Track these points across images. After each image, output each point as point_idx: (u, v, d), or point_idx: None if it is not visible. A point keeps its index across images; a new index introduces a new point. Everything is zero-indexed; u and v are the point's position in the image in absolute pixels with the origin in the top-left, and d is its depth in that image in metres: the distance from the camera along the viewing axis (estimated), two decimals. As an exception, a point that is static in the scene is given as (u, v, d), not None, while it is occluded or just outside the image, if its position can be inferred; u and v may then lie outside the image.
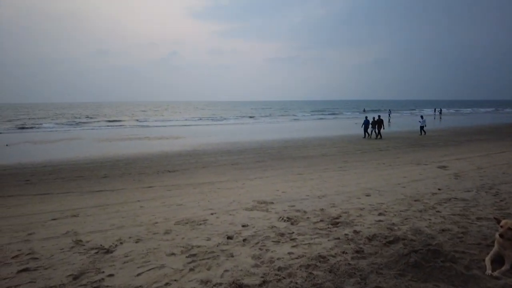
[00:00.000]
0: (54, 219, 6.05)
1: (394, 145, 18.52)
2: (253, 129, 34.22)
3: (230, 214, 5.91)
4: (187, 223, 5.46)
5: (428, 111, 70.11)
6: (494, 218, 3.65)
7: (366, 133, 23.10)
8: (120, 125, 40.19)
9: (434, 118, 50.68)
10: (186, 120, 49.97)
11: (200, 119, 52.12)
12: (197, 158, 15.04)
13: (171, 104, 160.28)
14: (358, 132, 24.96)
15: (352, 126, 34.81)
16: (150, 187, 9.10)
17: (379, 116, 23.73)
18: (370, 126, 23.05)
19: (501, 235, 3.29)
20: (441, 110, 64.58)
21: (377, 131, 22.73)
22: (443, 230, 4.50)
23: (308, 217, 5.50)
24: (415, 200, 6.44)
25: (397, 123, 39.18)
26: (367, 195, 7.14)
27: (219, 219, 5.66)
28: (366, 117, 24.03)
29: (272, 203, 6.68)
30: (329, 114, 68.38)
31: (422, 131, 24.08)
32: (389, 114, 46.68)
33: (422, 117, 25.20)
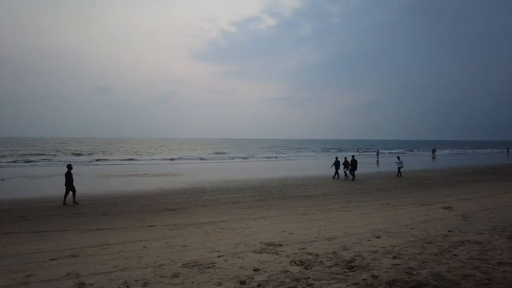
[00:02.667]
0: (53, 259, 5.76)
1: (395, 185, 18.43)
2: (251, 167, 34.11)
3: (239, 257, 5.67)
4: (194, 266, 5.21)
5: (419, 152, 70.80)
6: None
7: (337, 174, 22.11)
8: (119, 161, 39.93)
9: (433, 158, 51.08)
10: (183, 157, 49.89)
11: (200, 156, 52.12)
12: (197, 196, 14.79)
13: (170, 141, 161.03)
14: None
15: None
16: (151, 226, 8.82)
17: (352, 156, 23.02)
18: (342, 166, 22.15)
19: None
20: (434, 149, 65.26)
21: (350, 172, 21.70)
22: (465, 275, 4.32)
23: (321, 261, 5.29)
24: (428, 243, 6.26)
25: (384, 163, 39.29)
26: (377, 237, 6.95)
27: (227, 262, 5.42)
28: (337, 158, 23.25)
29: (281, 245, 6.45)
30: (322, 153, 68.77)
31: (399, 172, 23.54)
32: (376, 154, 46.94)
33: (398, 158, 24.96)
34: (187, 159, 46.01)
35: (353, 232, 7.58)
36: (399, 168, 23.63)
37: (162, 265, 5.30)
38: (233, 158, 50.89)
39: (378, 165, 35.50)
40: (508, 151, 65.56)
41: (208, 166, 34.44)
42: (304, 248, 6.14)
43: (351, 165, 21.64)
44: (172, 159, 44.14)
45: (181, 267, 5.18)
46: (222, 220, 9.52)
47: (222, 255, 5.80)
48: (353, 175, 21.55)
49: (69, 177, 12.84)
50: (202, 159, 46.40)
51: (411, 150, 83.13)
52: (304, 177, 22.41)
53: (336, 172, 22.15)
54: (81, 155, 51.02)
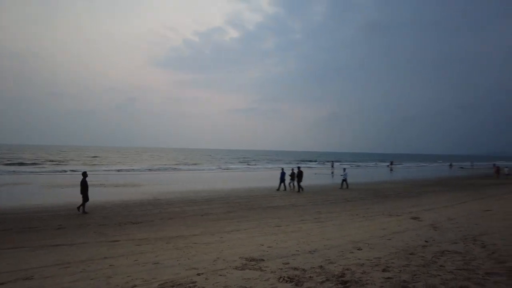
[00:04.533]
0: (2, 284, 4.88)
1: (360, 196, 18.80)
2: (215, 177, 33.34)
3: (220, 275, 5.18)
4: (173, 286, 4.64)
5: (382, 164, 74.28)
6: None
7: (283, 185, 21.52)
8: (72, 170, 37.09)
9: (391, 170, 53.66)
10: (145, 166, 47.70)
11: (161, 166, 50.14)
12: (161, 208, 13.95)
13: (128, 150, 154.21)
14: (320, 182, 25.10)
15: (313, 176, 35.37)
16: (115, 241, 7.99)
17: (298, 167, 22.69)
18: (289, 178, 21.71)
19: None
20: (392, 162, 68.74)
21: (296, 184, 21.28)
22: (461, 287, 4.22)
23: (310, 276, 4.96)
24: (410, 254, 6.20)
25: (338, 174, 40.57)
26: (358, 249, 6.79)
27: (209, 280, 4.91)
28: (283, 169, 22.70)
29: (263, 260, 6.05)
30: (281, 164, 69.49)
31: (344, 183, 23.34)
32: (332, 166, 48.51)
33: (344, 169, 25.07)
34: (148, 169, 44.00)
35: (333, 244, 7.38)
36: (343, 180, 23.52)
37: (135, 286, 4.67)
38: (196, 168, 49.63)
39: (333, 177, 36.36)
40: (451, 165, 70.73)
41: (171, 176, 33.16)
42: (288, 263, 5.79)
43: (297, 176, 21.29)
44: (131, 169, 41.96)
45: (157, 288, 4.60)
46: (193, 234, 8.91)
47: (202, 273, 5.27)
48: (299, 186, 21.08)
49: (84, 185, 12.69)
50: (164, 169, 44.63)
51: (357, 164, 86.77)
52: (270, 188, 22.18)
53: (281, 183, 21.56)
54: (24, 164, 46.69)
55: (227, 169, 50.07)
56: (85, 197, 12.59)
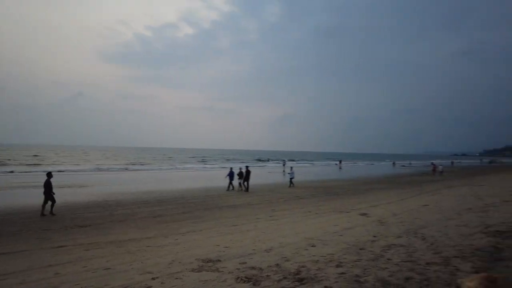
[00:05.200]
0: None
1: (312, 193, 19.47)
2: (169, 177, 32.42)
3: (177, 278, 5.05)
4: (126, 293, 4.44)
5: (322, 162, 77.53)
6: (475, 273, 3.66)
7: (231, 185, 21.27)
8: (10, 171, 33.73)
9: (340, 168, 56.24)
10: (93, 166, 44.89)
11: (111, 165, 47.52)
12: (111, 210, 13.26)
13: (75, 148, 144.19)
14: (274, 181, 25.43)
15: (267, 175, 35.93)
16: (61, 246, 7.43)
17: (246, 167, 22.47)
18: (236, 177, 21.46)
19: None
20: (340, 161, 72.05)
21: (244, 183, 21.15)
22: (406, 278, 4.55)
23: (268, 275, 5.03)
24: (361, 249, 6.55)
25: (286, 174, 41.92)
26: (312, 246, 7.03)
27: (165, 284, 4.77)
28: (231, 168, 22.53)
29: (219, 260, 6.01)
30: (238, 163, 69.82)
31: (291, 182, 23.68)
32: (283, 164, 49.90)
33: (291, 168, 25.56)
34: (97, 168, 41.50)
35: (288, 241, 7.55)
36: (290, 178, 23.92)
37: (84, 295, 4.39)
38: (150, 168, 47.80)
39: (284, 175, 37.26)
40: (394, 164, 76.06)
41: (121, 177, 31.60)
42: (245, 262, 5.81)
43: (245, 175, 21.24)
44: (79, 169, 39.27)
45: (108, 296, 4.36)
46: (146, 237, 8.58)
47: (157, 277, 5.10)
48: (247, 186, 21.02)
49: (48, 186, 12.36)
50: (114, 169, 42.39)
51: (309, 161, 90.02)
52: (225, 187, 22.10)
53: (230, 183, 21.38)
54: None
55: (183, 168, 48.98)
56: (52, 199, 12.32)
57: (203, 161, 71.77)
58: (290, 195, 18.75)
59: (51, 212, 12.14)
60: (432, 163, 54.60)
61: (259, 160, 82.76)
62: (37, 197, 16.81)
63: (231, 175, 21.62)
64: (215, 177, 32.88)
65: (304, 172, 43.49)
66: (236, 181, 21.49)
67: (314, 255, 6.17)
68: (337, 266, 5.38)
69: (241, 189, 21.06)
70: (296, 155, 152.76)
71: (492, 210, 10.56)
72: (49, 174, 12.96)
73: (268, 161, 79.66)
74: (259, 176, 34.93)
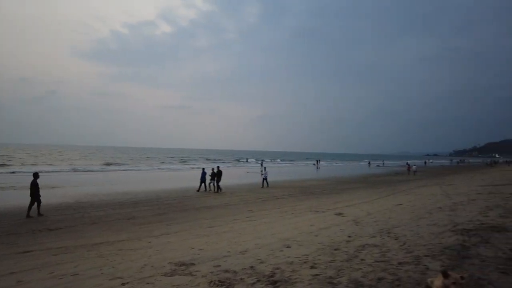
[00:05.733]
0: None
1: (289, 193, 19.57)
2: (145, 178, 31.71)
3: (148, 283, 4.88)
4: (92, 300, 4.24)
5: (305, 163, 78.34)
6: (442, 271, 3.73)
7: (204, 185, 20.84)
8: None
9: (317, 168, 56.95)
10: (66, 166, 43.22)
11: (86, 166, 45.94)
12: (83, 212, 12.81)
13: (48, 148, 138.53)
14: (252, 181, 25.23)
15: (246, 175, 35.85)
16: (27, 252, 7.05)
17: (218, 167, 22.03)
18: (209, 178, 20.95)
19: None
20: (318, 160, 72.99)
21: (215, 184, 20.71)
22: (379, 279, 4.58)
23: (241, 278, 4.95)
24: (335, 249, 6.58)
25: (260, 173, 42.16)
26: (287, 247, 7.00)
27: (135, 290, 4.59)
28: (204, 169, 22.11)
29: (193, 264, 5.87)
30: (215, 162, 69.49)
31: (264, 182, 23.43)
32: (261, 164, 50.23)
33: (265, 168, 25.30)
34: (71, 169, 39.97)
35: (263, 243, 7.50)
36: (263, 179, 23.63)
37: (46, 305, 4.15)
38: (127, 168, 46.54)
39: (262, 175, 37.29)
40: (369, 164, 77.95)
41: (95, 177, 30.64)
42: (219, 265, 5.71)
43: (216, 176, 20.84)
44: (54, 170, 37.68)
45: (73, 305, 4.14)
46: (119, 240, 8.30)
47: (127, 282, 4.91)
48: (218, 186, 20.59)
49: (35, 186, 12.25)
50: (89, 169, 40.98)
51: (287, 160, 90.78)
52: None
53: (201, 184, 20.89)
54: None
55: (160, 168, 48.08)
56: (38, 200, 12.25)
57: (183, 161, 70.73)
58: (268, 195, 18.76)
59: (39, 213, 12.09)
60: (407, 163, 56.52)
61: (237, 160, 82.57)
62: (4, 199, 16.01)
63: (203, 175, 21.20)
64: (194, 178, 32.47)
65: (283, 172, 43.78)
66: (208, 181, 20.98)
67: (289, 256, 6.14)
68: (312, 267, 5.37)
69: (212, 190, 20.58)
70: (277, 155, 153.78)
71: (460, 208, 10.93)
72: (36, 175, 12.70)
73: (247, 161, 79.57)
74: (238, 176, 34.84)
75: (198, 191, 20.38)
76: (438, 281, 3.58)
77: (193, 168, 49.93)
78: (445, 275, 3.54)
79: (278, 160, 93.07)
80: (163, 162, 63.11)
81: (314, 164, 70.77)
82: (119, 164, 52.38)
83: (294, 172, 44.96)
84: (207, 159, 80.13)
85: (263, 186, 23.17)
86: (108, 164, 51.42)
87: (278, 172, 41.90)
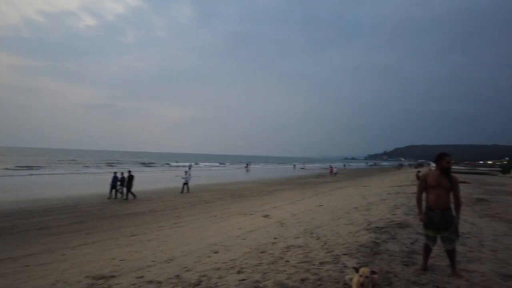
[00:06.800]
0: None
1: (219, 197, 19.49)
2: (59, 182, 28.58)
3: (58, 302, 4.38)
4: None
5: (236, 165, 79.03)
6: (353, 267, 4.14)
7: (114, 191, 18.98)
8: None
9: (247, 171, 57.76)
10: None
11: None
12: (-22, 224, 11.04)
13: None
14: (180, 185, 24.14)
15: (175, 178, 34.69)
16: None
17: (129, 171, 19.89)
18: (118, 183, 19.11)
19: (362, 284, 3.75)
20: (248, 163, 74.23)
21: (124, 190, 18.92)
22: (302, 280, 4.78)
23: (166, 289, 4.74)
24: (262, 252, 6.71)
25: (193, 176, 41.94)
26: (215, 252, 6.94)
27: (40, 313, 4.08)
28: (115, 173, 19.89)
29: (113, 276, 5.45)
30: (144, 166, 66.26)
31: (185, 187, 22.23)
32: (189, 168, 49.81)
33: (186, 172, 23.84)
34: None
35: (191, 249, 7.32)
36: (184, 183, 22.33)
37: None
38: (39, 172, 41.24)
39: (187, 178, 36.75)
40: (294, 166, 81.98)
41: (1, 183, 26.63)
42: (142, 276, 5.38)
43: (127, 181, 18.96)
44: None
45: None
46: (26, 254, 7.34)
47: (31, 305, 4.34)
48: (128, 193, 18.73)
49: None
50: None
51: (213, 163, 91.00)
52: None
53: (111, 190, 18.99)
54: None
55: (77, 171, 43.88)
56: None
57: (110, 164, 65.53)
58: (197, 199, 18.42)
59: None
60: (330, 166, 61.19)
61: (168, 164, 79.57)
62: None
63: (114, 180, 19.17)
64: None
65: (214, 176, 43.49)
66: (119, 187, 19.08)
67: (216, 262, 6.08)
68: (238, 272, 5.39)
69: (121, 197, 18.70)
70: (212, 157, 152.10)
71: (373, 208, 12.07)
72: None
73: (170, 165, 77.01)
74: (166, 180, 33.57)
75: (109, 198, 18.46)
76: (355, 278, 3.91)
77: (117, 171, 46.62)
78: (357, 271, 3.92)
79: (207, 163, 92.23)
80: (86, 166, 57.62)
81: (245, 167, 71.75)
82: (32, 167, 46.31)
83: (225, 175, 44.98)
84: (141, 163, 75.44)
85: (182, 191, 21.78)
86: (18, 168, 45.10)
87: (209, 176, 41.52)
